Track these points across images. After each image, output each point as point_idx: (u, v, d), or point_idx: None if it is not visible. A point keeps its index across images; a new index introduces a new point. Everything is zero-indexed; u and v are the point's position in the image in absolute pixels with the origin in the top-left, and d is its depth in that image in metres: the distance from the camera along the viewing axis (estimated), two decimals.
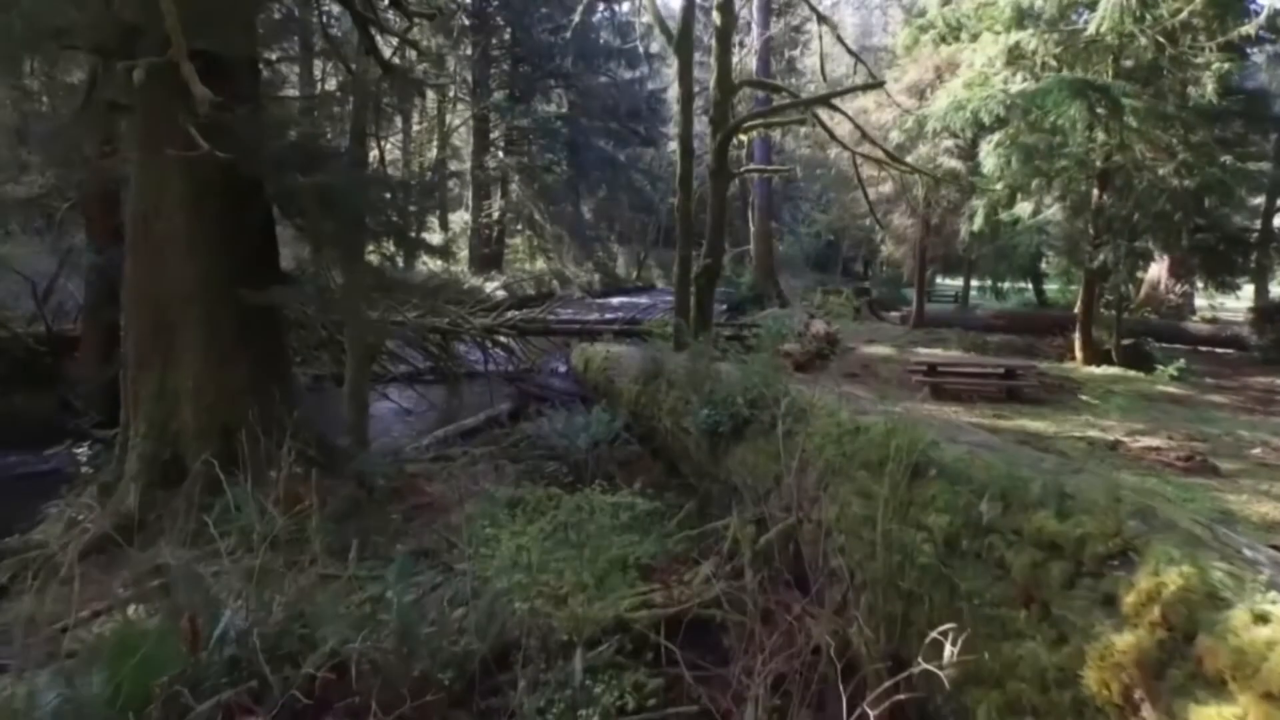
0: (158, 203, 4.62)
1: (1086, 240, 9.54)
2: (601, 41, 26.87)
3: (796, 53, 26.60)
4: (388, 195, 4.71)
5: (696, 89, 8.70)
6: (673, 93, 31.33)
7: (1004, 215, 10.21)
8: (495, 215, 27.04)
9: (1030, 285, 21.13)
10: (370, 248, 4.97)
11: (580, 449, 4.58)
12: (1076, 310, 14.09)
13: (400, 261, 6.05)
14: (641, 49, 26.16)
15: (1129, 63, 8.56)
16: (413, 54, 21.91)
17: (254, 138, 4.26)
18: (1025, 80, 9.47)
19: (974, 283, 21.08)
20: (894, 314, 17.46)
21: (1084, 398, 8.08)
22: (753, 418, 3.35)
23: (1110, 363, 9.85)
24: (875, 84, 7.97)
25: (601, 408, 6.03)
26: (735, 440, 3.42)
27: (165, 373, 4.67)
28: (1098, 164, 9.23)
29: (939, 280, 23.85)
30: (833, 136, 8.77)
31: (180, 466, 4.57)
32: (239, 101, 4.31)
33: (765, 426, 3.23)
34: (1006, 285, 20.82)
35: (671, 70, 33.07)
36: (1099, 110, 7.93)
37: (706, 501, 3.76)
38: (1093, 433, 6.52)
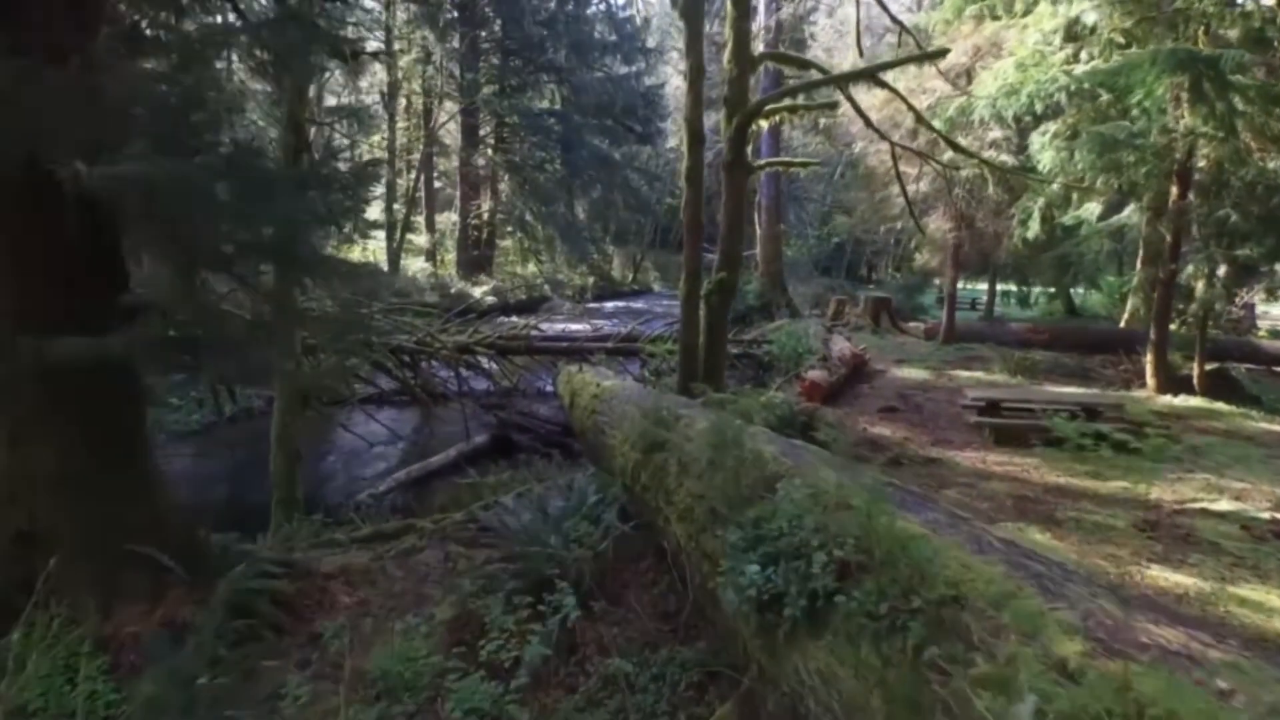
0: None
1: (1165, 248, 8.06)
2: (596, 35, 25.49)
3: (815, 29, 25.10)
4: (272, 195, 3.18)
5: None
6: (671, 87, 29.85)
7: (1066, 218, 8.74)
8: (485, 215, 25.65)
9: (1055, 291, 19.62)
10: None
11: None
12: (1123, 324, 12.69)
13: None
14: (637, 26, 24.73)
15: (1232, 32, 7.07)
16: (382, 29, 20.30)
17: (45, 106, 2.76)
18: (1093, 59, 8.00)
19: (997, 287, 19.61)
20: (914, 324, 15.98)
21: (1184, 440, 6.59)
22: (845, 595, 1.85)
23: (1190, 391, 8.36)
24: (936, 53, 6.47)
25: (588, 478, 4.54)
26: (811, 630, 1.91)
27: None
28: (1178, 156, 7.75)
29: (958, 285, 22.45)
30: (869, 124, 7.29)
31: None
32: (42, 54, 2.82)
33: (876, 628, 1.73)
34: (1036, 291, 19.35)
35: (669, 66, 31.53)
36: (1205, 90, 6.45)
37: (750, 710, 2.24)
38: (1225, 503, 5.03)
